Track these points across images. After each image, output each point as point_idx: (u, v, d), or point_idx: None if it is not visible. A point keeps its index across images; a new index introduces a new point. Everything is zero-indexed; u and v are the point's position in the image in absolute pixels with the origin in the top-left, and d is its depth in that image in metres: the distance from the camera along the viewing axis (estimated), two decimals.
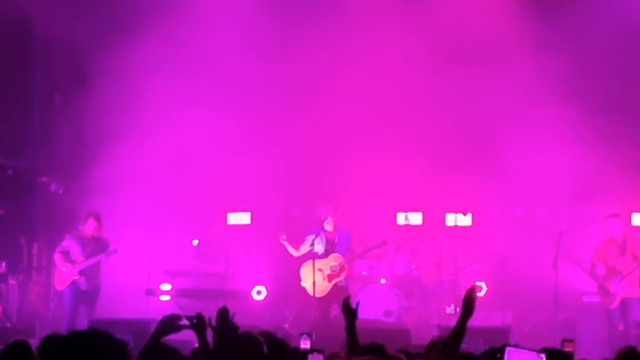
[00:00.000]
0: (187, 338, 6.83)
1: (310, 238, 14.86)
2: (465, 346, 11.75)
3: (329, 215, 14.92)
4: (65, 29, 16.92)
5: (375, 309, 15.42)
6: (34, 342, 6.67)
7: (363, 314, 15.21)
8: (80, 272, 14.39)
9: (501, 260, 15.73)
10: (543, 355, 5.66)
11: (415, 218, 17.42)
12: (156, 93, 16.88)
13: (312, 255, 14.84)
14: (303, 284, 14.98)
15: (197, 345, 6.21)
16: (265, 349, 5.90)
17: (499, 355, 5.86)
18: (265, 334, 7.35)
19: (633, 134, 16.62)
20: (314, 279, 14.63)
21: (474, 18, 16.73)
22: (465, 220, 16.86)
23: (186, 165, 17.28)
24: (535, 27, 16.65)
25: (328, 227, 14.95)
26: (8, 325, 15.50)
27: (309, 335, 8.51)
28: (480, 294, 16.64)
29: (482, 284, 16.63)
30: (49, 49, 17.95)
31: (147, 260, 15.62)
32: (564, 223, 15.19)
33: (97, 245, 14.49)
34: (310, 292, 14.76)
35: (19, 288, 16.88)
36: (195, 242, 17.51)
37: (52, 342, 6.75)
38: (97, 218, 14.54)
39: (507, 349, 5.69)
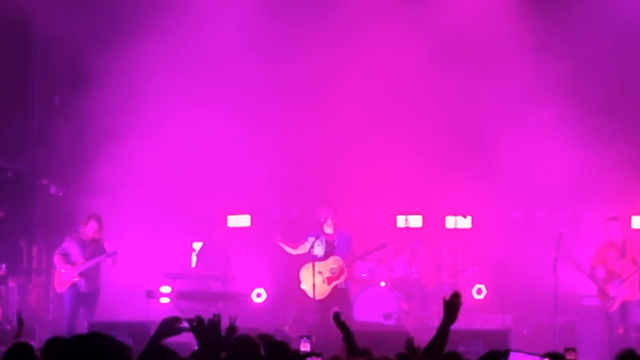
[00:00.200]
0: (186, 340, 6.83)
1: (310, 239, 14.85)
2: (465, 348, 11.79)
3: (328, 217, 14.91)
4: (65, 30, 16.92)
5: (375, 312, 15.43)
6: (34, 345, 6.67)
7: (363, 317, 15.37)
8: (80, 274, 14.39)
9: (501, 262, 15.72)
10: None
11: (415, 221, 17.42)
12: (156, 94, 16.88)
13: (311, 258, 14.84)
14: (303, 286, 14.97)
15: (196, 347, 6.20)
16: (262, 351, 5.90)
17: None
18: (264, 336, 7.35)
19: (633, 136, 16.62)
20: (314, 282, 14.62)
21: (473, 20, 16.73)
22: (465, 222, 16.87)
23: (186, 168, 17.28)
24: (534, 29, 16.66)
25: (328, 229, 14.94)
26: (8, 327, 15.48)
27: (309, 337, 8.52)
28: (479, 297, 16.67)
29: (482, 286, 16.64)
30: (49, 50, 17.94)
31: (147, 262, 15.62)
32: (563, 226, 15.21)
33: (97, 248, 14.49)
34: (310, 295, 14.75)
35: (18, 290, 16.86)
36: (195, 245, 17.49)
37: (55, 345, 6.76)
38: (99, 220, 14.54)
39: (511, 353, 5.68)
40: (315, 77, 16.60)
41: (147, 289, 15.25)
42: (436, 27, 16.82)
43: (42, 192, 17.85)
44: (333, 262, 14.89)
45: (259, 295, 16.97)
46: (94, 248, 14.49)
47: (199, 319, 5.86)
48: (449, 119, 16.77)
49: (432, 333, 6.11)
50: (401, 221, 17.45)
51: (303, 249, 14.97)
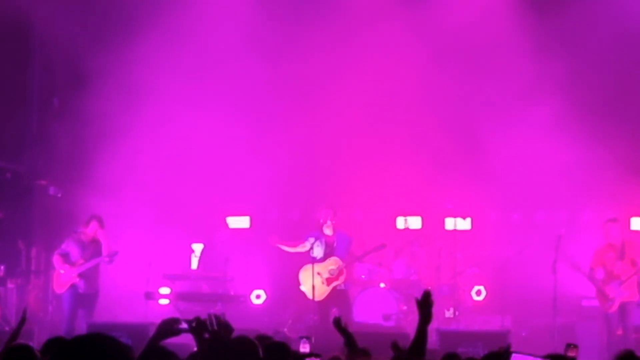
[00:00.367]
0: (185, 342, 6.82)
1: (310, 240, 14.85)
2: (464, 349, 11.78)
3: (328, 218, 14.92)
4: (64, 31, 16.92)
5: (374, 313, 15.43)
6: (33, 346, 6.66)
7: (362, 318, 15.37)
8: (80, 275, 14.38)
9: (500, 264, 15.73)
10: None
11: (415, 222, 17.43)
12: (155, 95, 16.88)
13: (311, 259, 14.84)
14: (302, 287, 14.97)
15: (195, 349, 6.20)
16: (260, 352, 5.90)
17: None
18: (263, 337, 7.35)
19: (632, 138, 16.62)
20: (313, 283, 14.62)
21: (472, 22, 16.73)
22: (464, 224, 16.87)
23: (185, 169, 17.27)
24: (532, 30, 16.66)
25: (327, 230, 14.94)
26: (6, 328, 15.48)
27: (308, 339, 8.53)
28: (479, 298, 16.67)
29: (481, 287, 16.64)
30: (48, 51, 17.94)
31: (146, 263, 15.62)
32: (562, 227, 15.19)
33: (97, 248, 14.49)
34: (309, 296, 14.75)
35: (17, 292, 16.86)
36: (194, 246, 17.49)
37: (55, 345, 6.75)
38: (100, 221, 14.55)
39: (513, 354, 5.68)
40: (315, 78, 16.61)
41: (146, 290, 15.25)
42: (436, 29, 16.83)
43: (40, 193, 17.84)
44: (332, 263, 14.89)
45: (258, 296, 16.97)
46: (93, 249, 14.49)
47: (198, 320, 5.86)
48: (448, 120, 16.77)
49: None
50: (400, 222, 17.46)
51: (302, 247, 14.97)
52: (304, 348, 8.15)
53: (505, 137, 16.56)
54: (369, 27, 17.10)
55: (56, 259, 14.62)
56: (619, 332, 14.19)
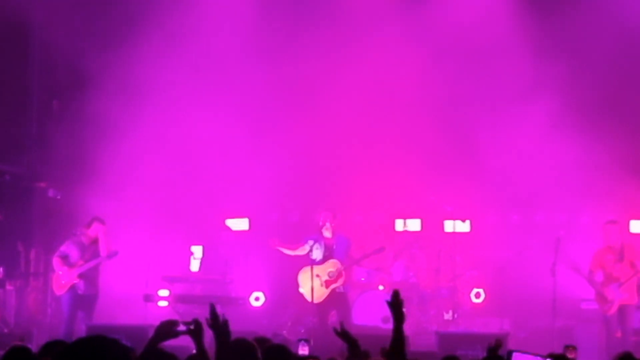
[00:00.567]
0: (184, 344, 6.82)
1: (310, 242, 14.85)
2: (463, 352, 11.78)
3: (327, 221, 14.91)
4: (63, 33, 16.92)
5: (373, 316, 15.42)
6: (31, 348, 6.66)
7: (361, 320, 15.36)
8: (80, 276, 14.38)
9: (499, 266, 15.74)
10: None
11: (414, 224, 17.42)
12: (154, 98, 16.87)
13: (310, 262, 14.83)
14: (301, 290, 14.96)
15: (194, 351, 6.20)
16: (259, 354, 5.90)
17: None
18: (262, 340, 7.34)
19: (631, 140, 16.62)
20: (312, 285, 14.61)
21: (472, 23, 16.74)
22: (463, 226, 16.86)
23: (184, 171, 17.27)
24: (531, 32, 16.66)
25: (326, 233, 14.93)
26: (5, 330, 15.48)
27: (307, 341, 8.53)
28: (478, 301, 16.67)
29: (480, 290, 16.64)
30: (47, 54, 17.94)
31: (145, 265, 15.61)
32: (561, 229, 15.19)
33: (96, 250, 14.49)
34: (308, 298, 14.74)
35: (16, 294, 16.85)
36: (194, 249, 17.48)
37: (53, 349, 6.75)
38: (102, 222, 14.56)
39: (514, 354, 5.69)
40: (315, 80, 16.60)
41: (145, 293, 15.25)
42: (435, 30, 16.83)
43: (40, 196, 17.85)
44: (331, 266, 14.88)
45: (257, 298, 16.96)
46: (93, 250, 14.49)
47: (197, 322, 5.86)
48: (447, 122, 16.76)
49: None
50: (399, 225, 17.46)
51: (302, 250, 14.96)
52: (303, 350, 8.15)
53: (504, 139, 16.56)
54: (369, 28, 17.10)
55: (56, 261, 14.62)
56: (618, 334, 14.18)
